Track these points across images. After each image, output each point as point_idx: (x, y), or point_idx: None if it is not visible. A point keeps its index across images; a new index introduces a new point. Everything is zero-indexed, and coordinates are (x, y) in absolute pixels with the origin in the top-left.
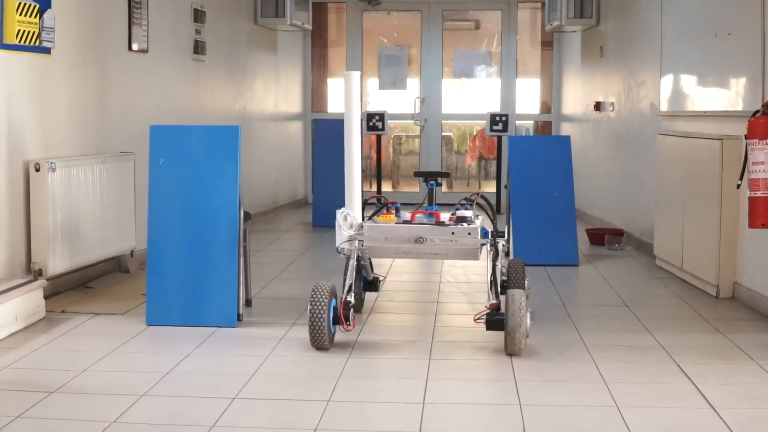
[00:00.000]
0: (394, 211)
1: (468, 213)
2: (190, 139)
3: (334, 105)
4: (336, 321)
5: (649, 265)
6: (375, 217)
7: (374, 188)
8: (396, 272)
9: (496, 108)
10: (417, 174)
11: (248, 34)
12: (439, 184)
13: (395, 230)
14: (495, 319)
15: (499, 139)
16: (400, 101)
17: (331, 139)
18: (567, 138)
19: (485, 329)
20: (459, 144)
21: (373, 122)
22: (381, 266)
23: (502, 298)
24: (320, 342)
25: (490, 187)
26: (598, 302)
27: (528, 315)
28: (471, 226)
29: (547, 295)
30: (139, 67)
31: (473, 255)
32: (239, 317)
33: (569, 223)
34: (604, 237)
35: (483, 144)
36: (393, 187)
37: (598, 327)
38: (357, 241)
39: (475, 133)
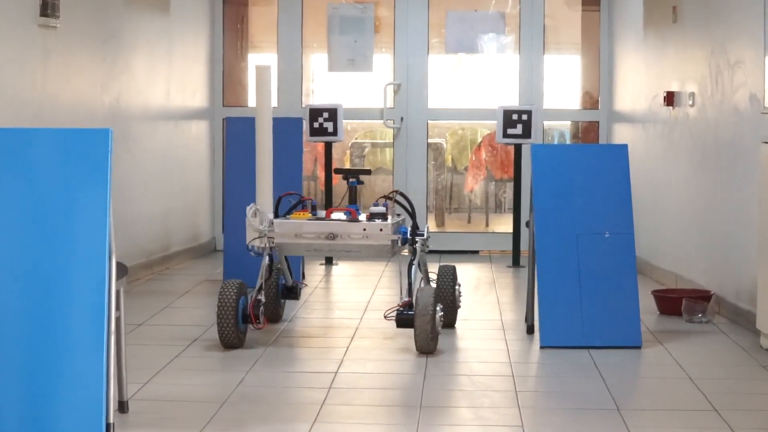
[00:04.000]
0: (309, 209)
1: (381, 209)
2: (32, 149)
3: None
4: (246, 320)
5: (750, 345)
6: (289, 215)
7: None
8: (355, 359)
9: (513, 101)
10: (337, 171)
11: None
12: (361, 182)
13: (306, 226)
14: (405, 317)
15: (518, 149)
16: (362, 90)
17: (253, 149)
18: (623, 148)
19: (396, 327)
20: (455, 157)
21: (320, 123)
22: (331, 351)
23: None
24: (228, 340)
25: (503, 225)
26: (671, 404)
27: (438, 313)
28: (383, 222)
29: (594, 394)
30: None
31: (385, 252)
32: (108, 429)
33: (627, 281)
34: (680, 303)
35: (492, 157)
36: None
37: None
38: (267, 239)
39: (480, 140)
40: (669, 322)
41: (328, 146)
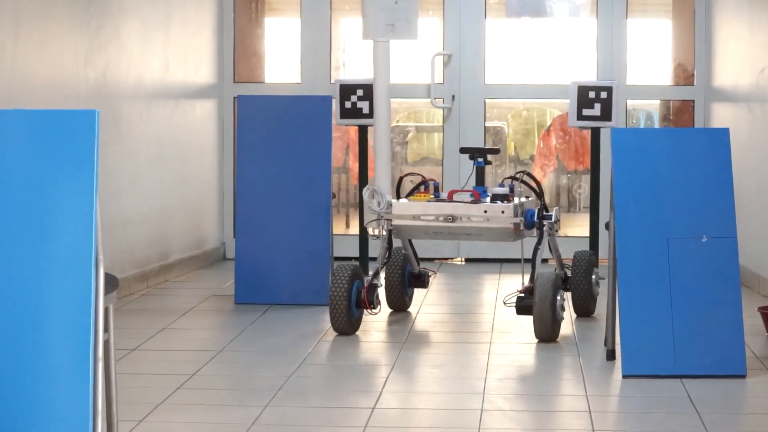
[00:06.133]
0: (431, 191)
1: (503, 190)
2: (0, 135)
3: (277, 69)
4: (359, 305)
5: None
6: (410, 197)
7: (353, 230)
8: (396, 391)
9: (590, 75)
10: (464, 150)
11: None
12: (488, 162)
13: (425, 208)
14: (524, 304)
15: (595, 134)
16: (404, 62)
17: (272, 134)
18: (724, 132)
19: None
20: (519, 144)
21: (353, 102)
22: (367, 381)
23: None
24: (340, 325)
25: (577, 227)
26: None
27: (559, 300)
28: (505, 204)
29: None
30: None
31: (507, 236)
32: None
33: (728, 295)
34: None
35: (564, 144)
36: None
37: None
38: (385, 221)
39: (549, 123)
40: None
41: (363, 131)
